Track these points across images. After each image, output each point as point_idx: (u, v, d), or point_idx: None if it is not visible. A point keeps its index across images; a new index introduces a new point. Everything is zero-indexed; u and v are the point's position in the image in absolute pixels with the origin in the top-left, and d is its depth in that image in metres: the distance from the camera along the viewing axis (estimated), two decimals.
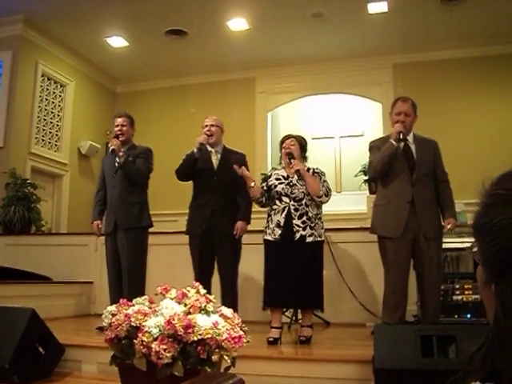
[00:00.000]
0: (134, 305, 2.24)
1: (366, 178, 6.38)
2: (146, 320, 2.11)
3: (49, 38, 7.42)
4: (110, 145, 4.32)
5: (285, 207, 3.63)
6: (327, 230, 4.06)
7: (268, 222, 3.74)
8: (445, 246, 4.02)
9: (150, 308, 2.21)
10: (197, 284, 2.36)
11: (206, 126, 4.23)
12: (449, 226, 3.57)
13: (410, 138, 3.71)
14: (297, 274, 3.48)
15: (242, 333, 2.18)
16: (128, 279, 4.13)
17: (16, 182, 6.49)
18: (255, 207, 4.11)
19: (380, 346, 2.68)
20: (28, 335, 2.94)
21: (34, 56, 7.23)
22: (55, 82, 7.73)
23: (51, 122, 7.65)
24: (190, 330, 2.04)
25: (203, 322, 2.10)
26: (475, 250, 0.68)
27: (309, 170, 3.77)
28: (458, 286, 4.26)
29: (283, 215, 3.62)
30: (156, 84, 8.76)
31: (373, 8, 6.63)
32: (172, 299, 2.23)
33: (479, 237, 0.67)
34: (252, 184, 3.79)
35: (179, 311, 2.12)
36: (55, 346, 3.17)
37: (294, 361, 3.11)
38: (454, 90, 7.45)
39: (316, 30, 7.22)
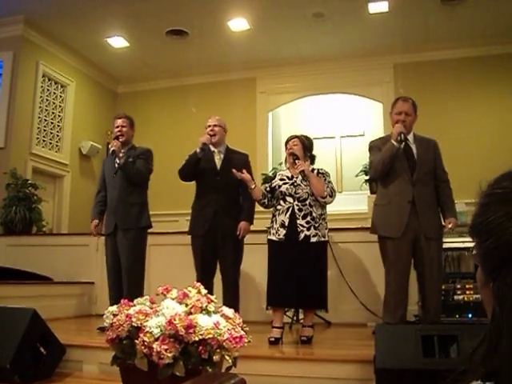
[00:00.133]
0: (135, 305, 2.24)
1: (367, 177, 6.37)
2: (147, 320, 2.11)
3: (49, 38, 7.43)
4: (110, 146, 4.34)
5: (289, 207, 3.64)
6: (328, 229, 4.06)
7: (272, 222, 3.75)
8: (446, 245, 4.03)
9: (151, 308, 2.21)
10: (198, 284, 2.37)
11: (209, 126, 4.23)
12: (450, 226, 3.57)
13: (410, 137, 3.71)
14: (300, 274, 3.48)
15: (243, 333, 2.19)
16: (127, 279, 4.14)
17: (17, 183, 6.49)
18: (258, 207, 4.12)
19: (381, 345, 2.68)
20: (29, 335, 2.94)
21: (34, 56, 7.23)
22: (56, 83, 7.74)
23: (52, 123, 7.65)
24: (191, 330, 2.04)
25: (204, 322, 2.10)
26: (475, 252, 0.68)
27: (313, 170, 3.78)
28: (459, 286, 4.26)
29: (287, 215, 3.63)
30: (157, 84, 8.77)
31: (373, 8, 6.63)
32: (173, 299, 2.23)
33: (476, 236, 0.68)
34: (252, 186, 3.80)
35: (180, 311, 2.13)
36: (56, 347, 3.17)
37: (295, 361, 3.11)
38: (454, 90, 7.45)
39: (316, 30, 7.22)
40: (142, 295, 2.43)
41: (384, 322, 3.55)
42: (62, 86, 7.86)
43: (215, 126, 4.23)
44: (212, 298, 2.30)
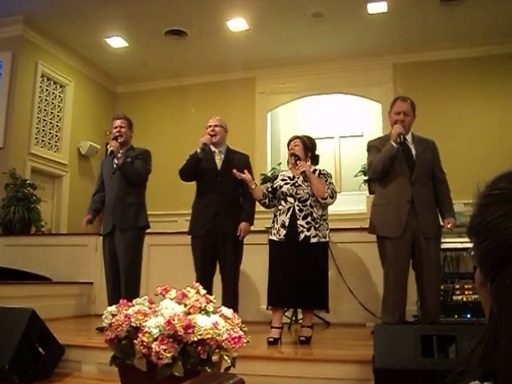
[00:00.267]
0: (134, 305, 2.24)
1: (366, 178, 6.38)
2: (146, 320, 2.11)
3: (48, 38, 7.42)
4: (108, 146, 4.34)
5: (290, 208, 3.65)
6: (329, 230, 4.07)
7: (273, 222, 3.75)
8: (445, 246, 4.03)
9: (150, 308, 2.21)
10: (197, 284, 2.37)
11: (210, 126, 4.23)
12: (449, 226, 3.57)
13: (408, 137, 3.71)
14: (299, 275, 3.48)
15: (241, 333, 2.18)
16: (125, 279, 4.15)
17: (16, 183, 6.49)
18: (258, 207, 4.12)
19: (380, 346, 2.68)
20: (28, 336, 2.94)
21: (33, 56, 7.23)
22: (55, 83, 7.74)
23: (51, 123, 7.65)
24: (190, 331, 2.04)
25: (203, 322, 2.10)
26: (473, 253, 0.68)
27: (315, 171, 3.78)
28: (458, 286, 4.26)
29: (288, 216, 3.63)
30: (156, 84, 8.76)
31: (372, 8, 6.63)
32: (172, 299, 2.23)
33: (474, 237, 0.68)
34: (253, 186, 3.82)
35: (179, 311, 2.12)
36: (55, 347, 3.16)
37: (293, 361, 3.11)
38: (453, 90, 7.45)
39: (316, 30, 7.22)
40: (138, 294, 2.43)
41: (383, 322, 3.55)
42: (60, 86, 7.86)
43: (216, 126, 4.23)
44: (211, 298, 2.30)
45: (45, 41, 7.40)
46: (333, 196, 3.68)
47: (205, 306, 2.22)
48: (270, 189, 3.83)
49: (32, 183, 6.64)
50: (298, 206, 3.63)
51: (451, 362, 2.49)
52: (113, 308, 2.26)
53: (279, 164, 7.69)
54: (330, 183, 3.73)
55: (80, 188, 7.83)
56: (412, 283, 3.64)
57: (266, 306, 3.68)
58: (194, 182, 4.26)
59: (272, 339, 3.44)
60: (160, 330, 2.04)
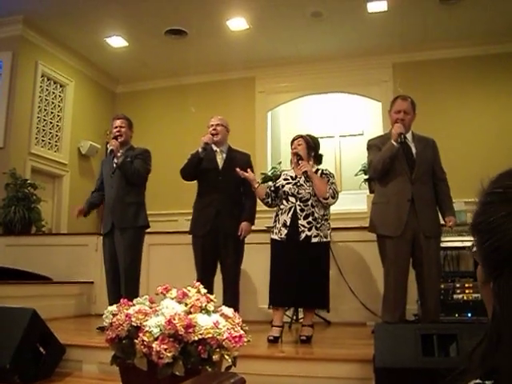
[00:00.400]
0: (134, 304, 2.24)
1: (366, 177, 6.38)
2: (146, 320, 2.11)
3: (48, 38, 7.42)
4: (108, 145, 4.34)
5: (291, 207, 3.65)
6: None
7: (275, 221, 3.76)
8: (445, 244, 4.03)
9: (151, 308, 2.21)
10: (197, 284, 2.37)
11: (212, 125, 4.23)
12: (450, 224, 3.57)
13: (408, 136, 3.71)
14: (300, 274, 3.48)
15: (242, 332, 2.19)
16: (125, 278, 4.15)
17: (16, 183, 6.49)
18: (260, 207, 4.12)
19: (380, 345, 2.68)
20: (29, 335, 2.94)
21: (33, 56, 7.23)
22: (55, 83, 7.74)
23: (51, 123, 7.65)
24: (190, 330, 2.04)
25: (204, 321, 2.10)
26: (475, 249, 0.68)
27: (318, 171, 3.78)
28: (458, 285, 4.26)
29: (289, 215, 3.63)
30: (156, 84, 8.76)
31: (372, 7, 6.63)
32: (172, 299, 2.23)
33: (477, 235, 0.67)
34: (256, 185, 3.82)
35: (180, 311, 2.13)
36: (56, 346, 3.17)
37: (294, 360, 3.11)
38: (452, 89, 7.45)
39: (315, 30, 7.22)
40: (138, 294, 2.43)
41: (383, 321, 3.55)
42: (61, 86, 7.86)
43: (218, 125, 4.23)
44: (211, 297, 2.30)
45: (45, 41, 7.40)
46: (334, 196, 3.68)
47: (205, 306, 2.22)
48: (272, 188, 3.83)
49: (32, 183, 6.64)
50: (299, 205, 3.63)
51: (452, 361, 2.49)
52: (113, 307, 2.26)
53: (279, 163, 7.69)
54: (332, 183, 3.73)
55: (80, 188, 7.81)
56: (412, 282, 3.64)
57: (268, 305, 3.68)
58: (195, 182, 4.26)
59: (272, 337, 3.44)
60: (161, 330, 2.04)
